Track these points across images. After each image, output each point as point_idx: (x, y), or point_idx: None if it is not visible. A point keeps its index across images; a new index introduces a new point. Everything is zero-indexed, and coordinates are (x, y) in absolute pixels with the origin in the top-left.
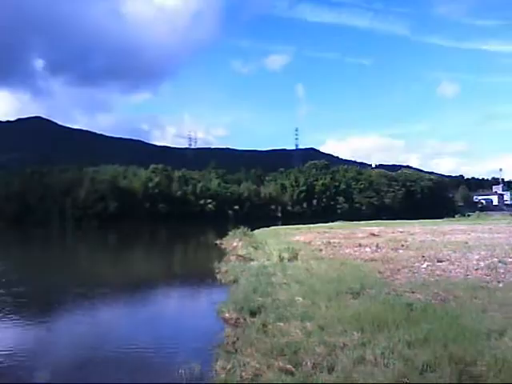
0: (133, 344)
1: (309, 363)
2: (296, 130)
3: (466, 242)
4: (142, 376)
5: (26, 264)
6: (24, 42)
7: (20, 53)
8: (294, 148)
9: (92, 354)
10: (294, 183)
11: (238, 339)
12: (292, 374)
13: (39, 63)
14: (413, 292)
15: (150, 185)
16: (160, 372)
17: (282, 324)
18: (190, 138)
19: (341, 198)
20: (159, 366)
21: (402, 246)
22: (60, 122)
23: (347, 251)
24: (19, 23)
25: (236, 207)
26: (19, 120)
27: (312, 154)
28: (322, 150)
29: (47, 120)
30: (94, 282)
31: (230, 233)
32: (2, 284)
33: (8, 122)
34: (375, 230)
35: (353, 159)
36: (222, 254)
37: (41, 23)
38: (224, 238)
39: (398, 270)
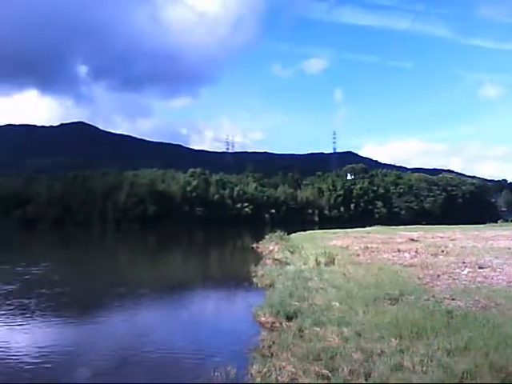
0: (170, 346)
1: (345, 369)
2: (334, 134)
3: (509, 248)
4: (177, 378)
5: (67, 265)
6: (68, 48)
7: (64, 59)
8: (331, 152)
9: (130, 355)
10: (331, 187)
11: (273, 343)
12: (328, 379)
13: (82, 69)
14: (453, 299)
15: (188, 188)
16: (196, 374)
17: (318, 329)
18: (227, 142)
19: (379, 203)
20: (195, 367)
21: (442, 251)
22: (101, 127)
23: (385, 256)
24: (64, 31)
25: (272, 211)
26: (62, 125)
27: (350, 157)
28: (361, 153)
29: (89, 125)
30: (134, 283)
31: (267, 236)
32: (46, 284)
33: (51, 127)
34: (414, 235)
35: (392, 163)
36: (258, 257)
37: (84, 30)
38: (260, 242)
39: (438, 276)
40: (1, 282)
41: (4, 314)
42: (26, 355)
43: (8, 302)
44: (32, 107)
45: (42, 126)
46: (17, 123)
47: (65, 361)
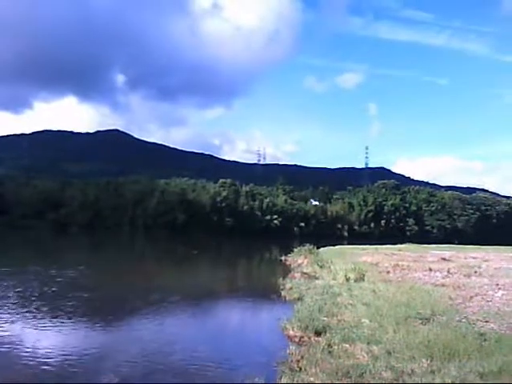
0: (197, 355)
1: None
2: (366, 149)
3: None
4: None
5: (97, 269)
6: (107, 58)
7: (103, 68)
8: (363, 167)
9: (157, 363)
10: (362, 202)
11: (302, 357)
12: None
13: (120, 78)
14: (486, 321)
15: (218, 199)
16: None
17: (347, 345)
18: (259, 154)
19: (411, 220)
20: (223, 378)
21: (475, 272)
22: (136, 135)
23: (416, 275)
24: (103, 40)
25: (302, 224)
26: (98, 132)
27: (382, 173)
28: (393, 169)
29: (124, 133)
30: (162, 290)
31: (295, 250)
32: (76, 288)
33: (88, 133)
34: (446, 254)
35: (425, 180)
36: (286, 270)
37: (123, 40)
38: (289, 255)
39: (471, 297)
40: (33, 284)
41: (35, 316)
42: (54, 357)
43: (39, 304)
44: (70, 114)
45: (79, 133)
46: (55, 129)
47: (92, 365)
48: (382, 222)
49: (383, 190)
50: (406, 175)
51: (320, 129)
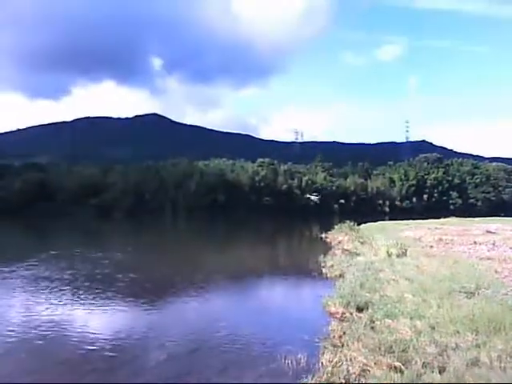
0: (241, 332)
1: (419, 362)
2: (407, 122)
3: None
4: (248, 364)
5: (142, 252)
6: (144, 42)
7: (140, 53)
8: (404, 141)
9: (202, 340)
10: (403, 177)
11: (344, 333)
12: (401, 371)
13: (157, 62)
14: None
15: (257, 178)
16: (266, 360)
17: (390, 321)
18: (296, 132)
19: (454, 193)
20: (266, 354)
21: None
22: (173, 118)
23: (461, 249)
24: (140, 25)
25: (342, 201)
26: (136, 117)
27: (423, 146)
28: (435, 142)
29: (162, 116)
30: (205, 270)
31: (336, 227)
32: (122, 270)
33: (127, 118)
34: (492, 227)
35: (468, 152)
36: (327, 247)
37: (159, 24)
38: (329, 232)
39: None
40: (79, 267)
41: (84, 297)
42: (103, 336)
43: (87, 286)
44: (108, 100)
45: (118, 118)
46: (94, 115)
47: (140, 343)
48: (425, 196)
49: (425, 163)
50: (449, 148)
51: (359, 104)
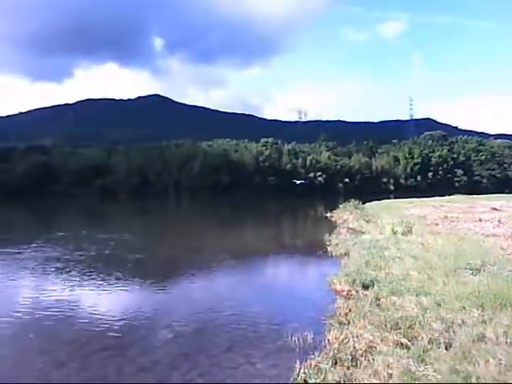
0: (247, 310)
1: (425, 338)
2: (410, 100)
3: None
4: (255, 342)
5: (147, 233)
6: (144, 22)
7: (141, 33)
8: (408, 118)
9: (209, 319)
10: (407, 155)
11: (350, 311)
12: (407, 348)
13: (158, 42)
14: None
15: (261, 158)
16: (273, 338)
17: (396, 298)
18: (300, 111)
19: (459, 171)
20: (272, 332)
21: None
22: (176, 99)
23: (466, 226)
24: (141, 5)
25: (346, 180)
26: (139, 98)
27: (428, 124)
28: (440, 120)
29: (165, 97)
30: (210, 250)
31: (341, 206)
32: (127, 251)
33: (129, 100)
34: (497, 204)
35: (473, 129)
36: (332, 226)
37: (161, 4)
38: (334, 211)
39: None
40: (86, 248)
41: (91, 278)
42: (110, 316)
43: (93, 268)
44: (110, 82)
45: (121, 100)
46: (97, 97)
47: (147, 323)
48: (430, 174)
49: (429, 141)
50: (453, 125)
51: (362, 82)
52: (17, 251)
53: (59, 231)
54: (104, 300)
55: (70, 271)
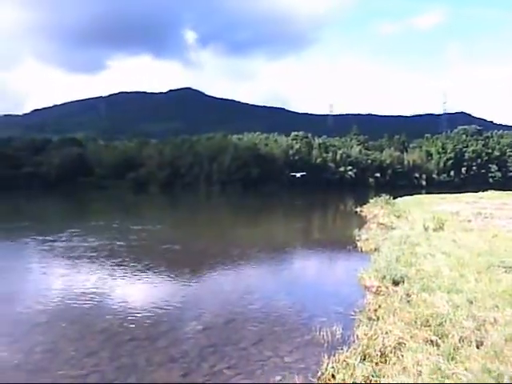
0: (275, 304)
1: (455, 336)
2: (444, 94)
3: None
4: (283, 335)
5: (177, 225)
6: (177, 16)
7: (174, 27)
8: (441, 112)
9: (238, 312)
10: (440, 150)
11: (379, 307)
12: (437, 345)
13: (191, 36)
14: None
15: (291, 152)
16: (301, 332)
17: (426, 295)
18: (331, 105)
19: (493, 166)
20: (301, 326)
21: None
22: (207, 92)
23: (500, 223)
24: None
25: (377, 175)
26: (170, 91)
27: (462, 118)
28: (474, 114)
29: (196, 90)
30: (239, 242)
31: (371, 201)
32: (158, 243)
33: (161, 93)
34: None
35: (509, 124)
36: (362, 221)
37: None
38: (364, 206)
39: None
40: (118, 238)
41: (121, 269)
42: (141, 307)
43: (124, 258)
44: (143, 74)
45: (153, 93)
46: (130, 90)
47: (176, 314)
48: (463, 169)
49: (463, 135)
50: (488, 119)
51: (395, 75)
52: (51, 240)
53: (92, 222)
54: (134, 290)
55: (102, 261)
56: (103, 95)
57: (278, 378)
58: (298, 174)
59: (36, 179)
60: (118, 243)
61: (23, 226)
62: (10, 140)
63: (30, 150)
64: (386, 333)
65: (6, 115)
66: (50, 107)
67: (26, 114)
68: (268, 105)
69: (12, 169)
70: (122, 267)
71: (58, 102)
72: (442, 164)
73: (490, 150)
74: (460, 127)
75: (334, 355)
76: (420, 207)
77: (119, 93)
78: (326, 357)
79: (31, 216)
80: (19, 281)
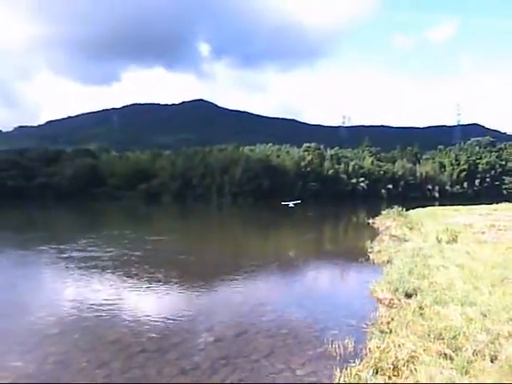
0: (287, 316)
1: (469, 349)
2: (458, 105)
3: None
4: (295, 348)
5: (189, 236)
6: (191, 28)
7: (187, 39)
8: (454, 124)
9: (249, 323)
10: (454, 162)
11: (392, 320)
12: (451, 358)
13: (204, 48)
14: None
15: (303, 163)
16: (313, 345)
17: (439, 308)
18: (343, 116)
19: (507, 178)
20: (312, 338)
21: None
22: (220, 104)
23: None
24: (189, 11)
25: (389, 186)
26: (184, 103)
27: (475, 129)
28: (487, 125)
29: (208, 102)
30: (250, 254)
31: (383, 212)
32: (169, 254)
33: (174, 105)
34: None
35: None
36: (374, 233)
37: (208, 10)
38: (376, 218)
39: None
40: (130, 248)
41: (133, 279)
42: (152, 317)
43: (137, 269)
44: (157, 86)
45: (166, 105)
46: (143, 102)
47: (189, 326)
48: (476, 181)
49: (477, 147)
50: (502, 131)
51: (408, 87)
52: (64, 251)
53: (105, 232)
54: (146, 301)
55: (114, 271)
56: (117, 107)
57: None
58: (291, 203)
59: (49, 190)
60: (131, 253)
61: (36, 236)
62: (24, 151)
63: (43, 160)
64: (399, 346)
65: (21, 126)
66: (64, 118)
67: (40, 125)
68: (280, 116)
69: (25, 179)
70: (134, 278)
71: (72, 114)
72: (455, 176)
73: (503, 162)
74: (473, 139)
75: (346, 368)
76: (433, 219)
77: (132, 104)
78: (338, 370)
79: (44, 226)
80: (32, 291)
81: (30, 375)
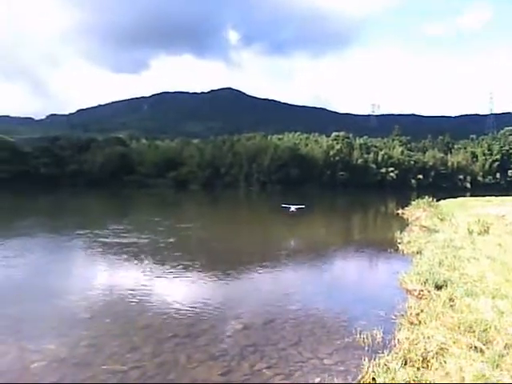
0: (314, 305)
1: (500, 343)
2: (491, 93)
3: None
4: (323, 337)
5: (218, 224)
6: (219, 16)
7: (216, 27)
8: (488, 113)
9: (277, 312)
10: (486, 151)
11: (422, 311)
12: (481, 351)
13: (233, 36)
14: None
15: (331, 152)
16: (341, 335)
17: (470, 300)
18: (373, 105)
19: None
20: (340, 328)
21: None
22: (248, 92)
23: None
24: None
25: (420, 176)
26: (212, 91)
27: (509, 118)
28: None
29: (237, 90)
30: (278, 243)
31: (413, 202)
32: (198, 241)
33: (202, 93)
34: None
35: None
36: (403, 223)
37: None
38: (406, 208)
39: None
40: (161, 236)
41: (163, 265)
42: (182, 305)
43: (167, 256)
44: (186, 73)
45: (195, 93)
46: (172, 91)
47: (217, 313)
48: (510, 171)
49: (510, 137)
50: None
51: (439, 75)
52: (96, 237)
53: (135, 218)
54: (176, 287)
55: (144, 257)
56: (146, 95)
57: (317, 379)
58: (293, 207)
59: (80, 177)
60: (161, 240)
61: (69, 222)
62: (56, 139)
63: (74, 148)
64: (428, 338)
65: (52, 115)
66: (94, 107)
67: (71, 114)
68: (309, 105)
69: (58, 167)
70: (164, 264)
71: (103, 102)
72: (487, 166)
73: None
74: (507, 128)
75: (375, 359)
76: (464, 210)
77: (162, 93)
78: (367, 360)
79: (76, 212)
80: (65, 275)
81: (63, 359)
